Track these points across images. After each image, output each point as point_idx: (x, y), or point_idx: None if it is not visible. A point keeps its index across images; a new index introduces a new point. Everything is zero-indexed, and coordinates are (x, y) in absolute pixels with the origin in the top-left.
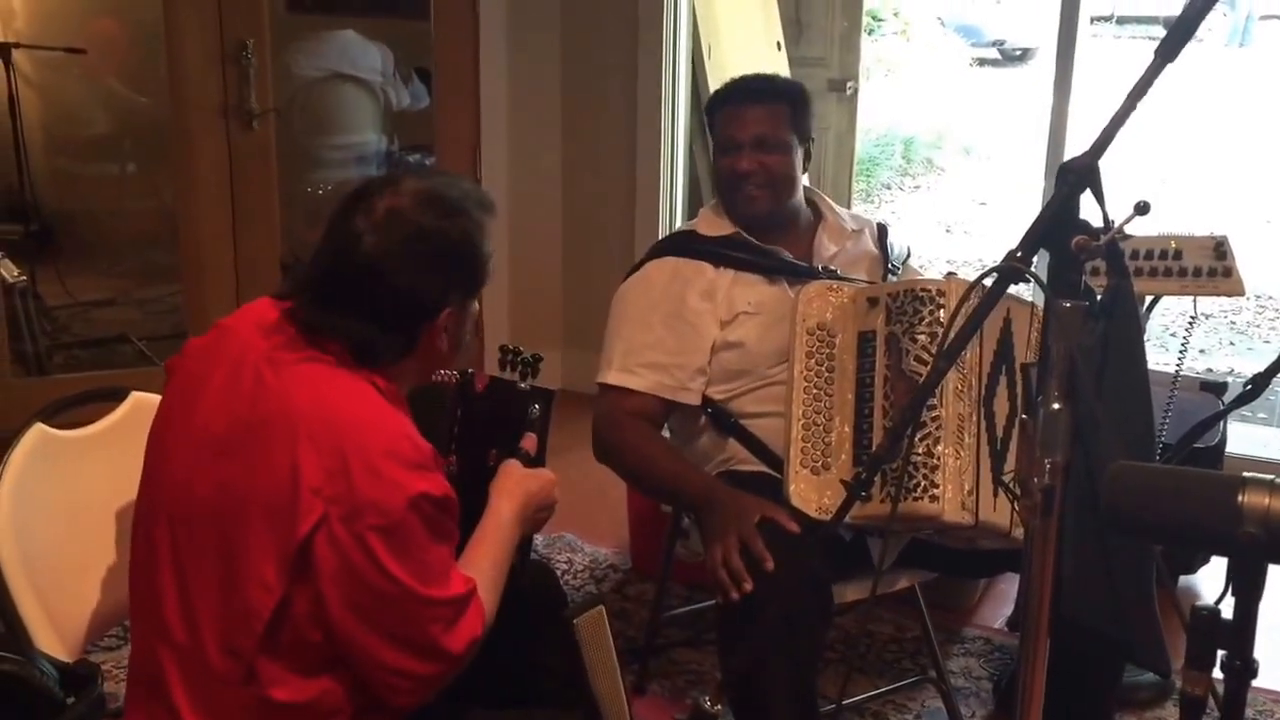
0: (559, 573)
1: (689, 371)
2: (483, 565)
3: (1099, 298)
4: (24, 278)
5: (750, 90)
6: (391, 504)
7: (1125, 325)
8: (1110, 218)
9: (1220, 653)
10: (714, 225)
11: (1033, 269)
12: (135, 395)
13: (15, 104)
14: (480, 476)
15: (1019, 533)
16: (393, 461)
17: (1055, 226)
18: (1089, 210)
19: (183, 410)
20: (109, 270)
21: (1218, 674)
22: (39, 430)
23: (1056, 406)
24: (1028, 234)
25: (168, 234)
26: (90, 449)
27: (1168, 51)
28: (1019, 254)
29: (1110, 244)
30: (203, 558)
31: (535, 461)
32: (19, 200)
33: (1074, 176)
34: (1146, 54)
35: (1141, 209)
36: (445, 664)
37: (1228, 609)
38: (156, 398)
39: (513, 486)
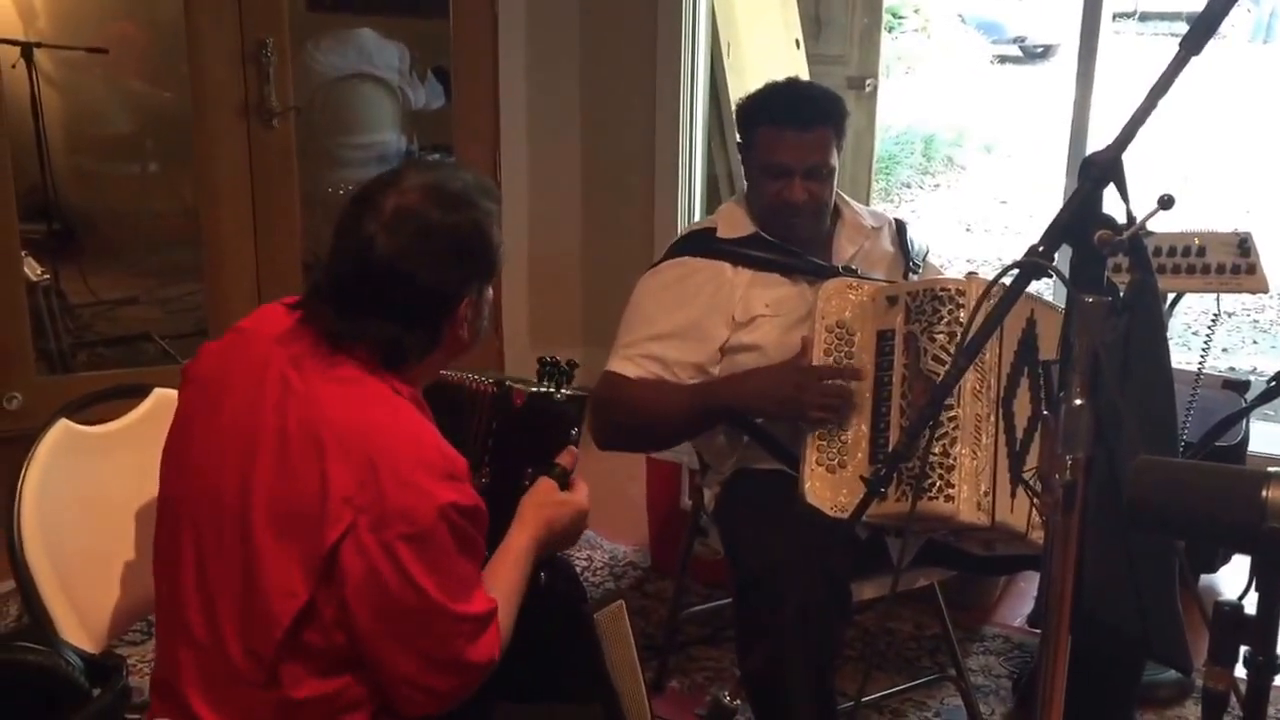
0: (578, 570)
1: (687, 368)
2: (501, 588)
3: (1122, 293)
4: (47, 276)
5: (801, 116)
6: (420, 513)
7: (1149, 321)
8: (1133, 212)
9: (1243, 649)
10: (734, 225)
11: (1054, 264)
12: (158, 392)
13: (37, 103)
14: (513, 493)
15: (1036, 535)
16: (423, 470)
17: (1078, 221)
18: (1112, 206)
19: (206, 415)
20: (131, 269)
21: (1240, 672)
22: (64, 425)
23: (1079, 402)
24: (1050, 228)
25: (189, 233)
26: (114, 444)
27: (1192, 44)
28: (1041, 249)
29: (1134, 238)
30: (227, 562)
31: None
32: (41, 199)
33: (1098, 170)
34: (1169, 51)
35: (1165, 203)
36: (460, 679)
37: (1251, 605)
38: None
39: (536, 510)
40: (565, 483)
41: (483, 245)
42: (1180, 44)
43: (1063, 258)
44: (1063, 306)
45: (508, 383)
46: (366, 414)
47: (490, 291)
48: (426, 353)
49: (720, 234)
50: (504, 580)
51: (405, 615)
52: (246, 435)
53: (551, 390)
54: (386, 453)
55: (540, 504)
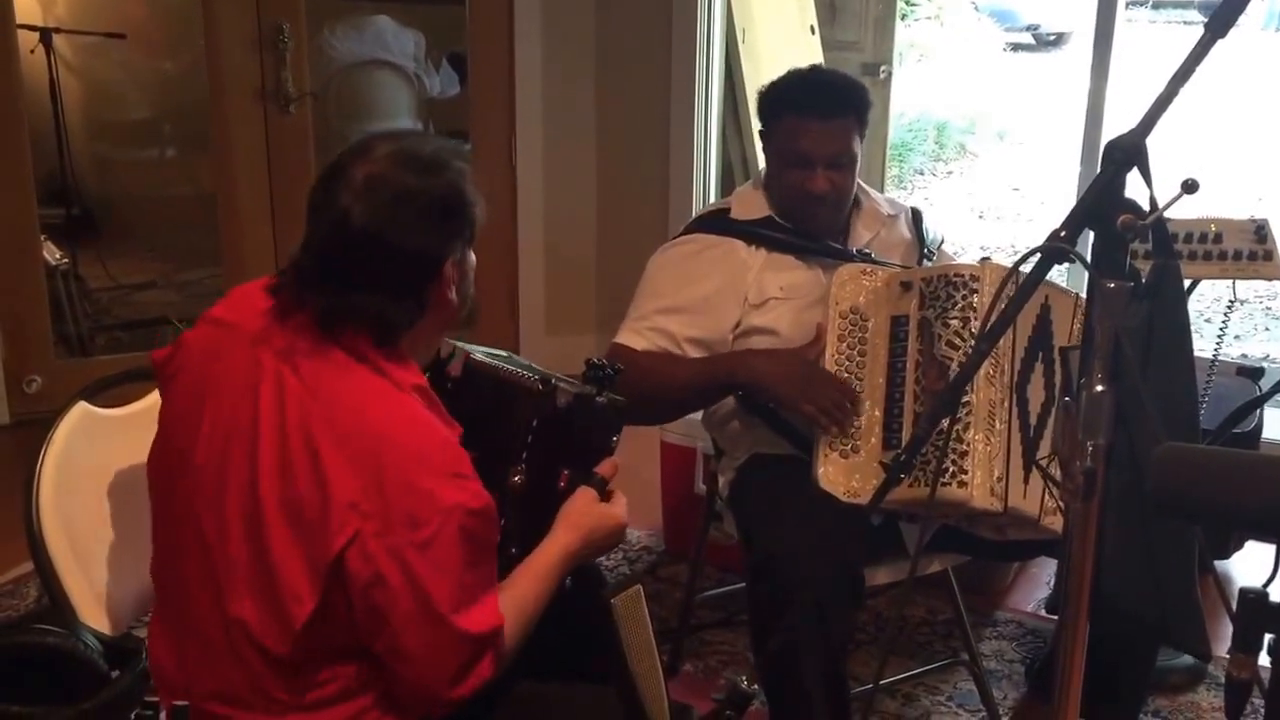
0: None
1: (694, 344)
2: (524, 601)
3: (1144, 278)
4: (66, 260)
5: (824, 106)
6: (427, 516)
7: (1171, 306)
8: (1156, 196)
9: (1268, 636)
10: (749, 207)
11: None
12: None
13: (56, 89)
14: (547, 495)
15: (1048, 521)
16: (428, 472)
17: (1101, 205)
18: (1132, 192)
19: (208, 416)
20: (149, 253)
21: (1264, 660)
22: (82, 408)
23: (1100, 389)
24: (1072, 213)
25: (207, 217)
26: (133, 427)
27: (1218, 26)
28: (1063, 233)
29: (1157, 223)
30: (237, 565)
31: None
32: (60, 184)
33: (1121, 154)
34: (1183, 39)
35: (1189, 187)
36: (441, 694)
37: (1276, 591)
38: None
39: (577, 519)
40: (603, 493)
41: (460, 204)
42: (1205, 26)
43: (1082, 243)
44: (1077, 292)
45: (553, 380)
46: (368, 413)
47: (473, 255)
48: (415, 320)
49: (734, 215)
50: (530, 589)
51: (406, 619)
52: (248, 438)
53: (594, 392)
54: (390, 455)
55: (581, 514)
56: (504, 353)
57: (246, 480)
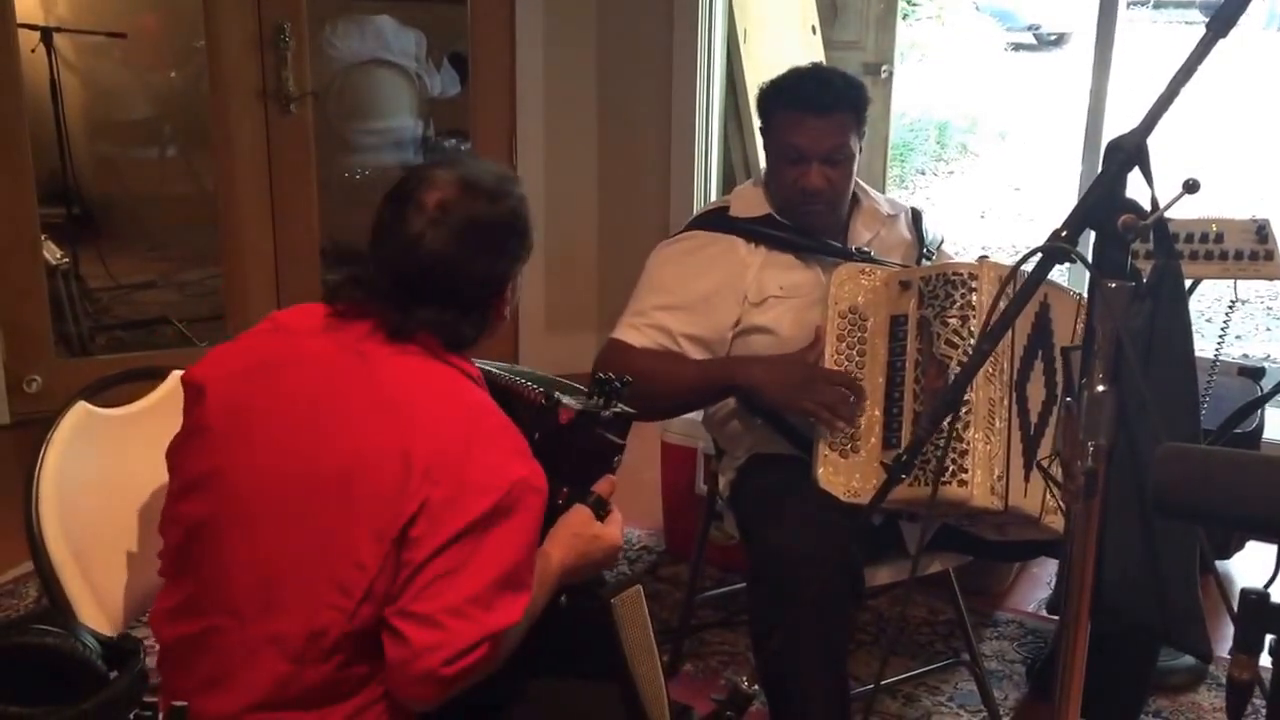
0: None
1: (693, 341)
2: None
3: (1145, 278)
4: (67, 260)
5: (819, 100)
6: (495, 484)
7: (1173, 306)
8: (1157, 196)
9: (1269, 637)
10: (749, 205)
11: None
12: (175, 375)
13: (57, 88)
14: (546, 512)
15: (1049, 520)
16: (498, 447)
17: (1102, 205)
18: (1134, 192)
19: (266, 401)
20: (150, 253)
21: (1265, 660)
22: (82, 408)
23: (1101, 389)
24: (1073, 213)
25: (207, 217)
26: (133, 427)
27: (1220, 26)
28: (1064, 233)
29: (1158, 222)
30: (290, 544)
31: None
32: (61, 184)
33: (1123, 154)
34: (1183, 39)
35: (1191, 187)
36: (438, 668)
37: (1277, 592)
38: None
39: (569, 537)
40: (600, 512)
41: (523, 230)
42: (1207, 26)
43: (1084, 243)
44: (1076, 290)
45: (557, 395)
46: (443, 394)
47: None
48: (479, 336)
49: (734, 212)
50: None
51: (451, 577)
52: (317, 419)
53: (598, 407)
54: (464, 429)
55: (576, 533)
56: (499, 365)
57: (313, 458)
